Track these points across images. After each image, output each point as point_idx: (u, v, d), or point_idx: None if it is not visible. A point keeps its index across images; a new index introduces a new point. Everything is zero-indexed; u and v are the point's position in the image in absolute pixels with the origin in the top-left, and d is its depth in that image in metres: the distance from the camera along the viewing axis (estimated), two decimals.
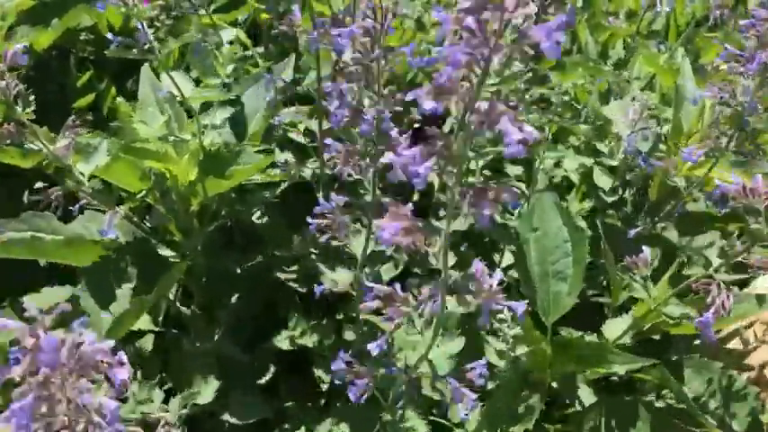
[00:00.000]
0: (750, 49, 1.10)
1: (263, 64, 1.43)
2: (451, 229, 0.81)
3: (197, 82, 1.64)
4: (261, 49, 1.74)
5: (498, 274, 0.89)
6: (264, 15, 1.62)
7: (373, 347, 0.92)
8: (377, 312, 0.91)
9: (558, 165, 1.61)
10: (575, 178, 1.63)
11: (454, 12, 0.71)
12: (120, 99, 1.28)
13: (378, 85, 0.97)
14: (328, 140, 1.05)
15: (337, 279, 1.16)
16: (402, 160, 0.76)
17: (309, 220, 1.07)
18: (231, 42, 1.42)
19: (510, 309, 0.87)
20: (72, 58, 1.63)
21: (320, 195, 1.32)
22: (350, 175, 1.05)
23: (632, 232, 1.28)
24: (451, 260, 1.00)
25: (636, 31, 2.18)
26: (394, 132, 1.00)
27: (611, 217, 1.41)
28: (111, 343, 0.63)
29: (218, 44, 1.38)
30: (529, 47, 0.69)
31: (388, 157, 0.78)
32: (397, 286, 0.88)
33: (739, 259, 1.01)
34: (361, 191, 1.25)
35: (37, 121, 1.12)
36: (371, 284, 0.90)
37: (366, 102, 0.99)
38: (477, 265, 0.89)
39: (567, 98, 1.98)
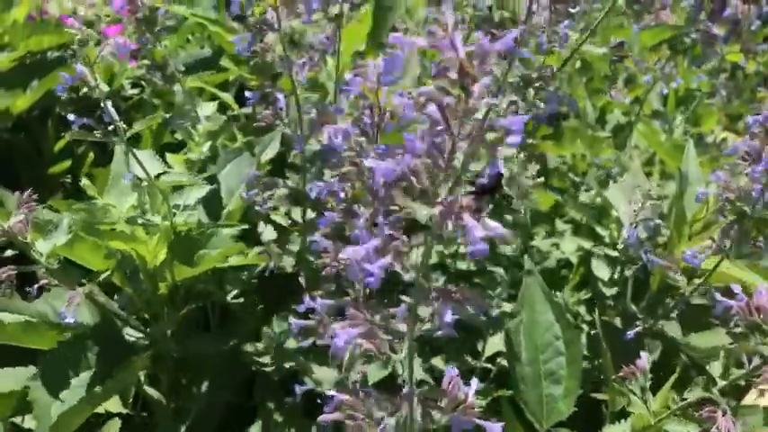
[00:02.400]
0: (755, 148, 1.03)
1: (241, 139, 1.38)
2: (417, 334, 0.74)
3: (181, 145, 1.59)
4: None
5: (474, 385, 0.81)
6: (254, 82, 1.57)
7: None
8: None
9: (555, 245, 1.54)
10: (573, 260, 1.55)
11: (415, 96, 0.65)
12: (87, 176, 1.21)
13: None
14: (316, 237, 0.99)
15: (321, 379, 1.09)
16: (354, 256, 0.70)
17: (292, 321, 1.00)
18: (208, 118, 1.36)
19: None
20: (51, 120, 1.57)
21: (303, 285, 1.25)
22: (337, 273, 0.99)
23: (631, 333, 1.19)
24: (418, 370, 0.91)
25: (636, 99, 2.13)
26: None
27: (609, 311, 1.33)
28: None
29: (194, 120, 1.32)
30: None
31: (346, 252, 0.71)
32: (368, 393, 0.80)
33: None
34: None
35: (10, 187, 1.06)
36: (332, 393, 0.82)
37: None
38: (450, 373, 0.82)
39: (564, 167, 1.93)
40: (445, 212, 0.64)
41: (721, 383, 0.91)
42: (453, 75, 0.62)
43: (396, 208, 0.70)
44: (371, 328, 0.75)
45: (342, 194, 1.02)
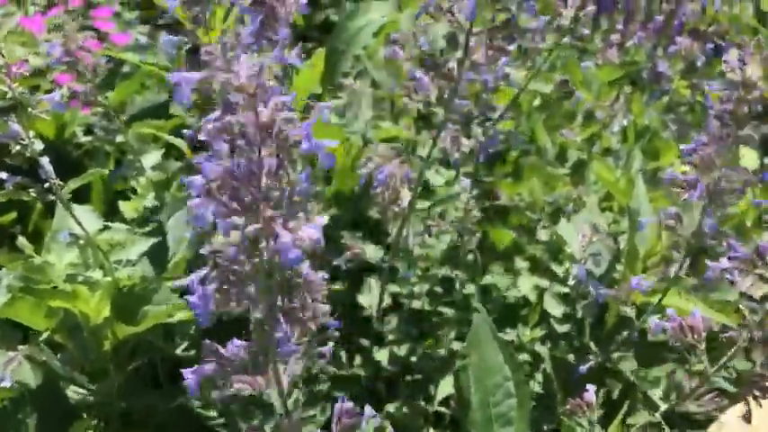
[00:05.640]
0: (692, 175, 1.04)
1: None
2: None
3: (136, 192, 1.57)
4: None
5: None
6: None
7: None
8: None
9: (513, 283, 1.53)
10: (532, 298, 1.54)
11: None
12: (33, 228, 1.19)
13: None
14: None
15: None
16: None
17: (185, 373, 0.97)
18: (154, 168, 1.35)
19: None
20: None
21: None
22: None
23: (583, 368, 1.18)
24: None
25: (594, 134, 2.15)
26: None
27: (562, 348, 1.32)
28: None
29: (139, 171, 1.30)
30: None
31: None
32: None
33: None
34: None
35: None
36: None
37: None
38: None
39: (522, 204, 1.93)
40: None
41: (663, 407, 0.90)
42: None
43: None
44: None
45: None
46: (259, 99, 0.61)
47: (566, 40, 1.38)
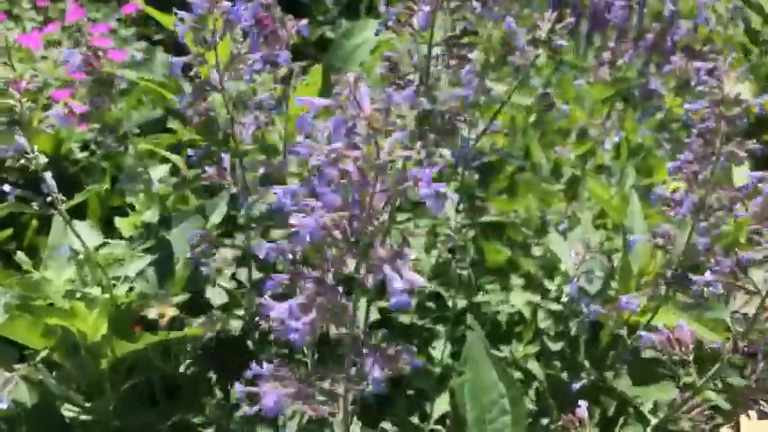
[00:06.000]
0: (680, 192, 1.06)
1: (193, 201, 1.37)
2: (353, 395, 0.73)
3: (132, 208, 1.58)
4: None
5: None
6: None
7: None
8: None
9: (506, 300, 1.54)
10: (527, 313, 1.55)
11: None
12: (29, 245, 1.19)
13: None
14: (264, 301, 0.97)
15: None
16: (276, 315, 0.70)
17: (238, 387, 0.97)
18: (161, 181, 1.36)
19: None
20: None
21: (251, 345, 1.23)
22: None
23: (576, 386, 1.19)
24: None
25: (588, 150, 2.18)
26: None
27: (556, 365, 1.33)
28: None
29: (146, 183, 1.31)
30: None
31: (272, 310, 0.71)
32: None
33: None
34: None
35: None
36: None
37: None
38: None
39: (518, 220, 1.95)
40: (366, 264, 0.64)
41: (654, 421, 0.91)
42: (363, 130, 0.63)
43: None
44: (301, 387, 0.74)
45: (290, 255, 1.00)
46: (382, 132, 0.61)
47: (540, 51, 1.39)
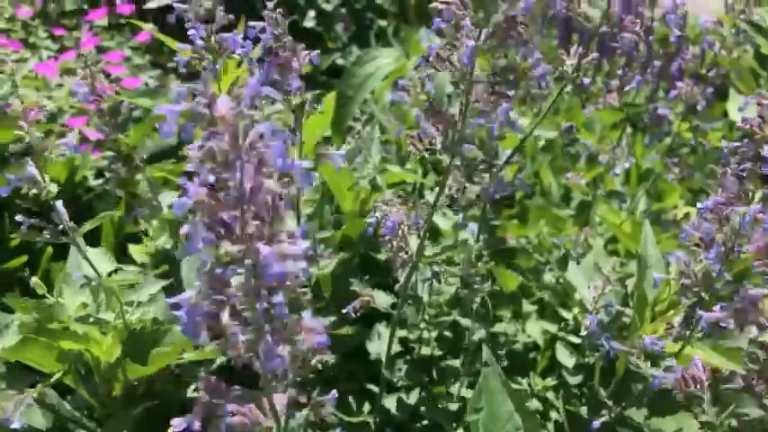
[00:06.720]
0: (708, 233, 1.04)
1: None
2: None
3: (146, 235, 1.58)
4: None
5: None
6: None
7: None
8: None
9: (522, 329, 1.53)
10: (541, 342, 1.54)
11: None
12: (44, 271, 1.19)
13: None
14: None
15: None
16: None
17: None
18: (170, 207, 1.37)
19: None
20: (8, 214, 1.56)
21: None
22: None
23: (597, 423, 1.17)
24: None
25: (598, 175, 2.17)
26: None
27: (575, 399, 1.31)
28: None
29: (156, 210, 1.32)
30: None
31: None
32: None
33: None
34: None
35: None
36: None
37: None
38: None
39: (529, 246, 1.94)
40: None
41: None
42: None
43: None
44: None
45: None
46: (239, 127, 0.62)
47: (568, 89, 1.40)
